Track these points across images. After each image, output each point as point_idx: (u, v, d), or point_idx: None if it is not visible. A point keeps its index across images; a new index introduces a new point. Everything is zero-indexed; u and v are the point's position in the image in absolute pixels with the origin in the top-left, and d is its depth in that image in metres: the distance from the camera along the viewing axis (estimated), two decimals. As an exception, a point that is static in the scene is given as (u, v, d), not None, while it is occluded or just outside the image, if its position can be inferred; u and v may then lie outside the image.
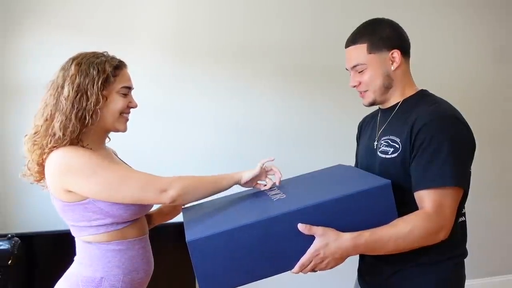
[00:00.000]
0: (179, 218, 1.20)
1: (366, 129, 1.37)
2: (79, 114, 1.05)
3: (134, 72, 2.24)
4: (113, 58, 1.13)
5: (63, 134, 1.04)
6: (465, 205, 1.15)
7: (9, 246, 1.74)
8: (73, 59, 1.10)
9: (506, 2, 2.65)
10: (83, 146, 1.09)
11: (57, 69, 1.11)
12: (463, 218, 1.15)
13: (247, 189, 1.26)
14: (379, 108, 1.30)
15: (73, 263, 1.14)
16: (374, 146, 1.23)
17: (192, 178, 1.13)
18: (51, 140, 1.04)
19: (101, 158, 1.07)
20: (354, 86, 1.21)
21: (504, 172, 2.71)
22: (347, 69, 1.24)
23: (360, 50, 1.17)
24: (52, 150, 1.04)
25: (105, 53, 1.13)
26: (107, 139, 1.22)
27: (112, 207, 1.05)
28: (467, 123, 1.11)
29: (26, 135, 1.09)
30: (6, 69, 2.08)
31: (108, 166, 1.06)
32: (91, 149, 1.09)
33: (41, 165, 1.07)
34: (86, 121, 1.06)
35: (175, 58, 2.25)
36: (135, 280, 1.12)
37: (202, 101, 2.29)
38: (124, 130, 1.16)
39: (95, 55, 1.11)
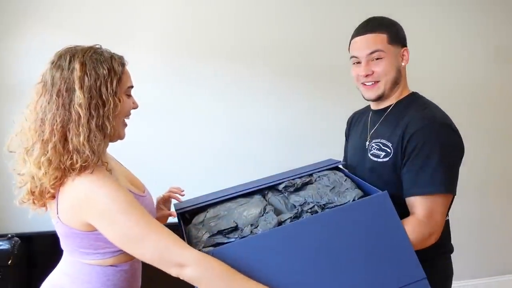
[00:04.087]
0: (175, 219, 1.20)
1: (356, 126, 1.38)
2: (99, 122, 0.90)
3: (134, 72, 2.24)
4: (116, 55, 1.00)
5: (92, 151, 0.89)
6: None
7: (9, 246, 1.75)
8: (71, 55, 0.93)
9: (505, 1, 2.65)
10: (105, 169, 0.95)
11: (47, 68, 0.94)
12: (447, 218, 1.18)
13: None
14: (370, 107, 1.31)
15: (61, 276, 1.03)
16: (366, 146, 1.25)
17: (221, 267, 0.88)
18: (77, 160, 0.88)
19: (126, 198, 0.90)
20: (367, 75, 1.18)
21: (504, 172, 2.71)
22: (355, 57, 1.21)
23: (380, 38, 1.16)
24: (78, 175, 0.89)
25: (98, 46, 1.00)
26: None
27: None
28: (457, 128, 1.13)
29: (27, 152, 0.91)
30: (5, 69, 2.09)
31: (131, 212, 0.89)
32: (110, 170, 0.96)
33: (56, 189, 0.91)
34: (108, 130, 0.92)
35: (175, 59, 2.25)
36: None
37: (203, 101, 2.29)
38: (124, 137, 1.03)
39: (95, 50, 0.96)
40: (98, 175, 0.90)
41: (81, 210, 0.90)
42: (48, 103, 0.90)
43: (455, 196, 1.14)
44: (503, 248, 2.75)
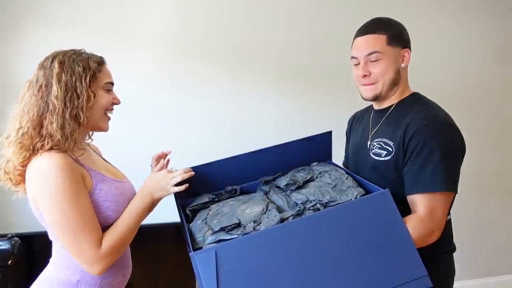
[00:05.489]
0: (178, 218, 1.20)
1: (357, 126, 1.39)
2: (73, 112, 1.02)
3: (135, 71, 2.25)
4: (94, 54, 1.12)
5: (63, 135, 1.00)
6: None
7: (9, 246, 1.74)
8: (53, 57, 1.06)
9: (505, 1, 2.65)
10: (74, 154, 1.05)
11: (35, 68, 1.07)
12: (449, 217, 1.19)
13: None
14: (372, 107, 1.31)
15: (49, 265, 1.12)
16: (367, 146, 1.25)
17: (115, 240, 1.03)
18: (48, 142, 1.00)
19: (74, 187, 0.99)
20: (364, 76, 1.19)
21: (503, 172, 2.72)
22: (354, 58, 1.22)
23: (379, 39, 1.17)
24: (47, 151, 1.00)
25: (83, 50, 1.11)
26: (89, 140, 1.22)
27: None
28: (457, 127, 1.14)
29: (7, 137, 1.04)
30: (5, 70, 2.08)
31: (72, 210, 0.98)
32: (78, 158, 1.05)
33: (25, 166, 1.02)
34: (82, 120, 1.04)
35: (175, 58, 2.25)
36: (112, 283, 1.11)
37: (202, 101, 2.30)
38: (107, 129, 1.14)
39: (75, 52, 1.08)
40: (64, 158, 0.99)
41: (33, 187, 1.00)
42: (31, 97, 1.04)
43: (456, 195, 1.14)
44: (503, 248, 2.76)
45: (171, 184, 1.09)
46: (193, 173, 1.15)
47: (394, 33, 1.18)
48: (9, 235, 1.79)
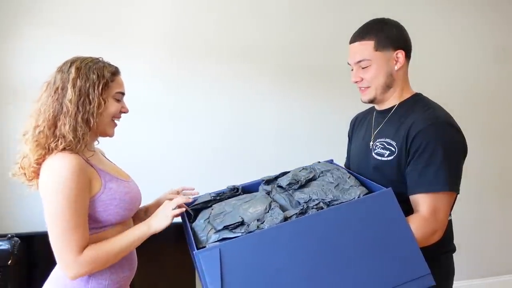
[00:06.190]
0: (179, 218, 1.20)
1: (360, 127, 1.40)
2: (85, 117, 1.09)
3: (136, 72, 2.25)
4: (109, 64, 1.18)
5: (75, 137, 1.06)
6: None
7: (9, 246, 1.74)
8: (71, 62, 1.13)
9: (507, 1, 2.65)
10: (85, 155, 1.11)
11: (53, 71, 1.13)
12: (450, 217, 1.20)
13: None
14: (375, 108, 1.32)
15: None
16: (369, 146, 1.26)
17: (99, 254, 1.06)
18: (61, 142, 1.06)
19: (75, 191, 1.03)
20: (356, 82, 1.23)
21: (505, 172, 2.72)
22: (349, 64, 1.25)
23: (366, 46, 1.18)
24: (61, 151, 1.06)
25: (100, 58, 1.18)
26: (96, 142, 1.26)
27: (102, 214, 1.09)
28: (459, 128, 1.14)
29: (25, 134, 1.10)
30: (5, 69, 2.08)
31: (68, 211, 1.02)
32: (88, 159, 1.11)
33: (40, 164, 1.08)
34: (92, 124, 1.10)
35: (176, 58, 2.25)
36: (120, 277, 1.16)
37: (203, 101, 2.30)
38: (113, 135, 1.20)
39: (93, 60, 1.15)
40: (76, 159, 1.05)
41: (45, 182, 1.04)
42: (47, 98, 1.10)
43: (457, 196, 1.15)
44: (503, 248, 2.76)
45: (170, 210, 1.12)
46: (190, 199, 1.16)
47: (384, 36, 1.18)
48: (9, 235, 1.79)
